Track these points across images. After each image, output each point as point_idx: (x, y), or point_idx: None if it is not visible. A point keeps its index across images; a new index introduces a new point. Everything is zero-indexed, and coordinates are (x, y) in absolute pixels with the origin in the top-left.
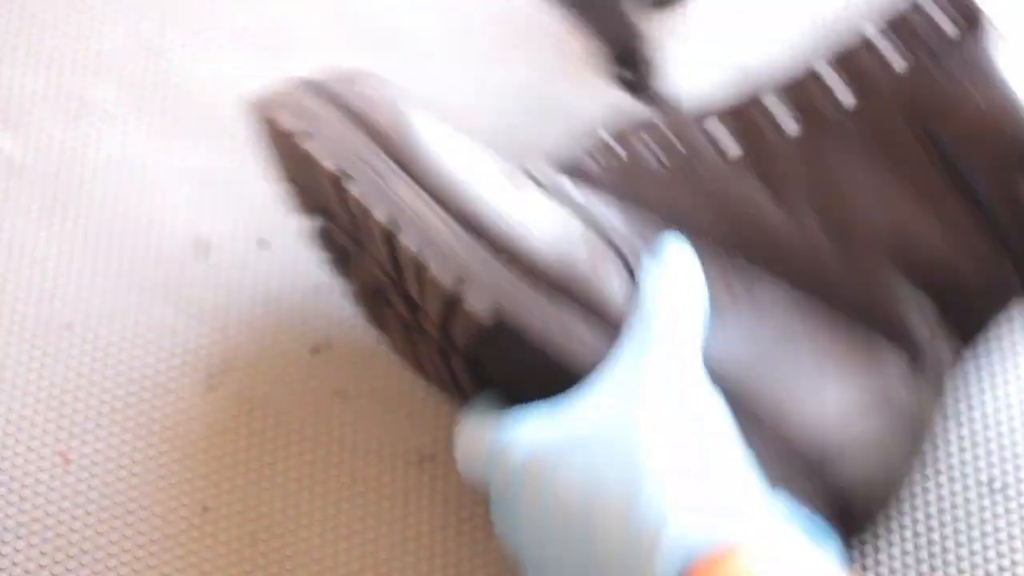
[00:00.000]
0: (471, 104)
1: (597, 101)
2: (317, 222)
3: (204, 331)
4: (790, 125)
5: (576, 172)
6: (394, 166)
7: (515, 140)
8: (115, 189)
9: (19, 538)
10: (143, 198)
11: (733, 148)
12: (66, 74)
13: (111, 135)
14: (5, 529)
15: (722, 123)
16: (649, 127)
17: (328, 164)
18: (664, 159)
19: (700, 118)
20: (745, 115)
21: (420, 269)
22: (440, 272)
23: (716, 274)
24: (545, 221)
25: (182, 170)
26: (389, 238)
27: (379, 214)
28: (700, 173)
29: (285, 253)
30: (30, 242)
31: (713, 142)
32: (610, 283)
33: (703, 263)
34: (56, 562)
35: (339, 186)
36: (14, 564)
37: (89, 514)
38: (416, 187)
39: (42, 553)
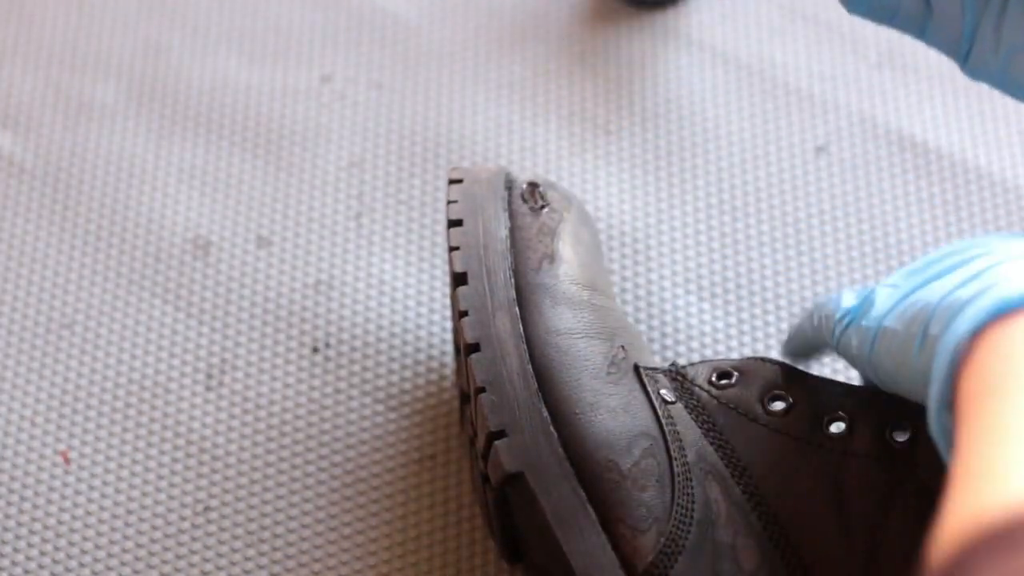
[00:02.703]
0: (471, 104)
1: (596, 100)
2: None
3: (204, 330)
4: (900, 442)
5: (684, 382)
6: (512, 294)
7: (515, 140)
8: (115, 188)
9: (19, 538)
10: (143, 197)
11: (837, 429)
12: (66, 74)
13: (111, 135)
14: (5, 529)
15: (841, 400)
16: (772, 369)
17: (457, 264)
18: (769, 406)
19: (827, 382)
20: (864, 403)
21: (478, 399)
22: (491, 411)
23: (749, 552)
24: (618, 414)
25: (182, 169)
26: (467, 355)
27: (468, 332)
28: (791, 441)
29: (284, 252)
30: (30, 241)
31: (822, 414)
32: (642, 492)
33: (744, 525)
34: (56, 562)
35: (455, 284)
36: (14, 564)
37: (89, 514)
38: (518, 326)
39: (42, 553)
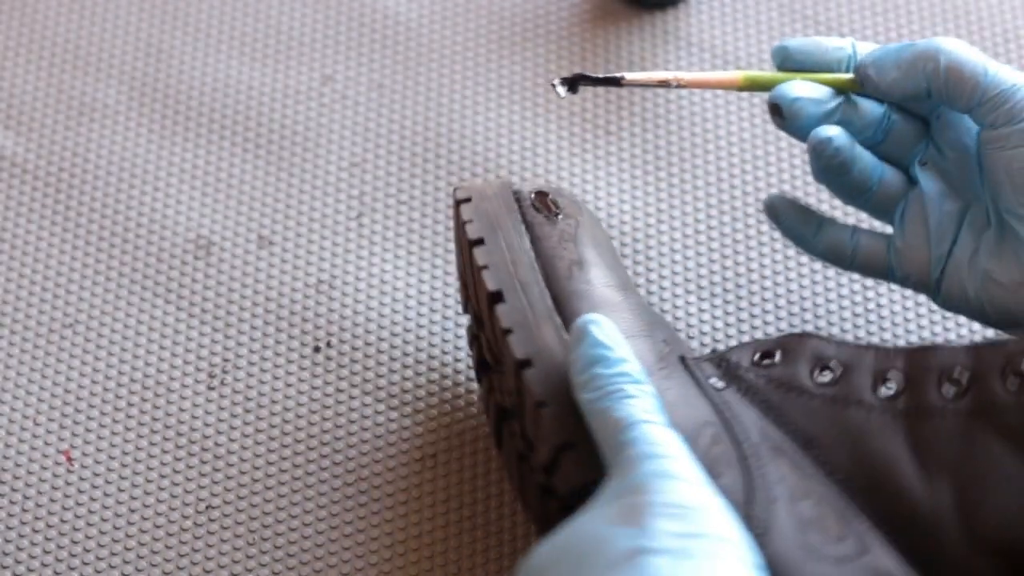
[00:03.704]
0: (471, 104)
1: (597, 101)
2: (470, 322)
3: (206, 330)
4: (959, 388)
5: (729, 367)
6: (550, 303)
7: (515, 140)
8: (117, 189)
9: (22, 536)
10: (145, 198)
11: (892, 389)
12: (68, 75)
13: (113, 136)
14: (8, 528)
15: (891, 359)
16: (813, 342)
17: (490, 283)
18: (817, 377)
19: (871, 347)
20: (917, 359)
21: (538, 413)
22: (558, 423)
23: (833, 520)
24: (678, 407)
25: (183, 170)
26: (519, 372)
27: (518, 349)
28: (849, 406)
29: (286, 252)
30: (33, 242)
31: (875, 376)
32: (719, 479)
33: (821, 496)
34: (59, 560)
35: (491, 303)
36: (18, 563)
37: (92, 512)
38: (563, 335)
39: (45, 551)
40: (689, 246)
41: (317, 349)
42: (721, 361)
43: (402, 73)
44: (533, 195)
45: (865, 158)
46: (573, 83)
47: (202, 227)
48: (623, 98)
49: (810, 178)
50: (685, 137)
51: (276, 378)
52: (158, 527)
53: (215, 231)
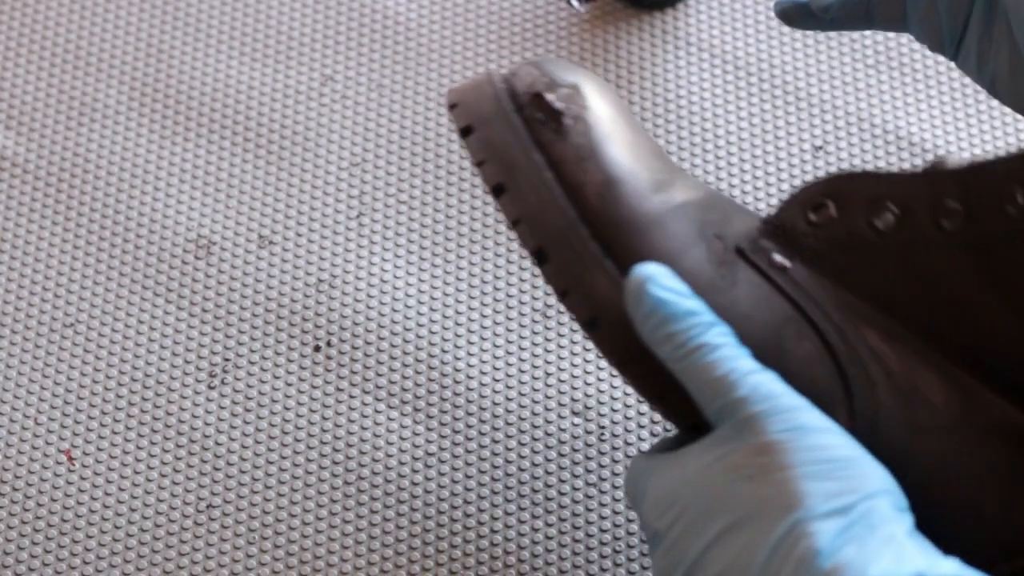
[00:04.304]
0: None
1: None
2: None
3: (207, 329)
4: (1021, 207)
5: (786, 235)
6: (594, 247)
7: None
8: (117, 189)
9: (23, 536)
10: (145, 198)
11: (954, 218)
12: (68, 75)
13: (113, 136)
14: (10, 527)
15: (944, 186)
16: (860, 180)
17: (528, 241)
18: (879, 224)
19: (926, 174)
20: (971, 182)
21: (627, 370)
22: (645, 379)
23: (935, 383)
24: (753, 318)
25: (183, 170)
26: (589, 330)
27: (582, 312)
28: (916, 252)
29: (286, 251)
30: (34, 242)
31: (934, 207)
32: (814, 384)
33: (915, 359)
34: (60, 559)
35: (536, 261)
36: (19, 562)
37: (93, 512)
38: (619, 281)
39: (46, 551)
40: None
41: (317, 349)
42: (776, 229)
43: (402, 73)
44: (530, 99)
45: None
46: None
47: (202, 227)
48: (623, 98)
49: (809, 175)
50: (684, 137)
51: (276, 378)
52: (159, 526)
53: (215, 231)
